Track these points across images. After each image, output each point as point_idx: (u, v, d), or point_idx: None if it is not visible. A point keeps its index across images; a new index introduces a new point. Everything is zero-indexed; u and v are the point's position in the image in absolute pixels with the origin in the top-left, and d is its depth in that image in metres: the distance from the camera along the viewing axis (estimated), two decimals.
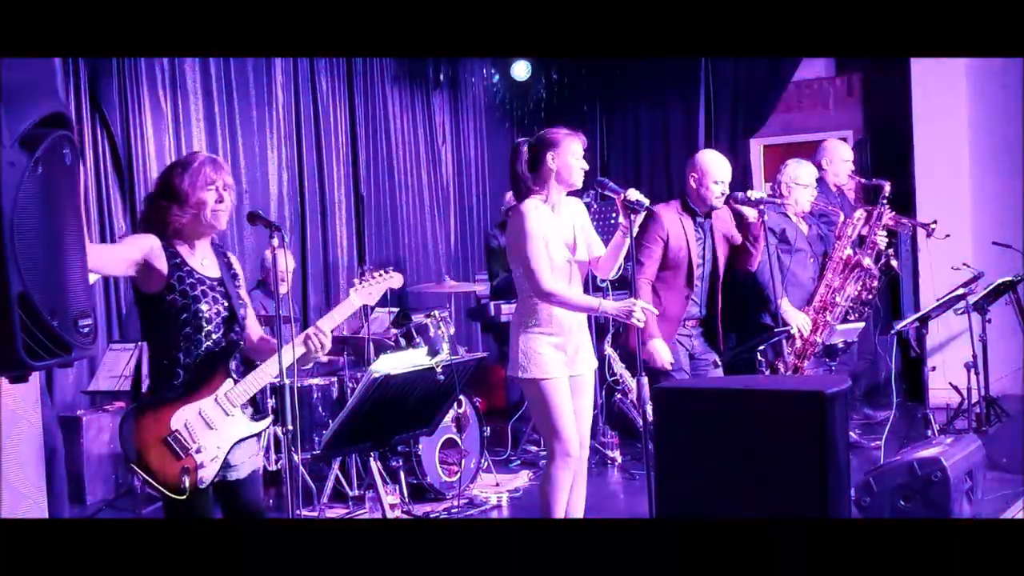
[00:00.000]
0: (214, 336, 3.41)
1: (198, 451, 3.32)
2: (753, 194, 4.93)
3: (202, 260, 3.44)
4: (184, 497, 3.28)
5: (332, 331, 3.55)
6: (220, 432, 3.37)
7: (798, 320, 5.52)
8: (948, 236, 6.57)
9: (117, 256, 3.38)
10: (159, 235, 3.36)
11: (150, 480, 3.27)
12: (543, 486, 4.22)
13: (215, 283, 3.44)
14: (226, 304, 3.44)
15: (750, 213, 4.95)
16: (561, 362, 4.16)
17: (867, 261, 5.84)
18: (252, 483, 3.52)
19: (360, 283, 3.71)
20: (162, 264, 3.33)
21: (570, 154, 4.14)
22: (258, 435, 3.55)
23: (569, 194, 4.27)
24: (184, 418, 3.33)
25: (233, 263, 3.59)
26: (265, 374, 3.47)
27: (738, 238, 5.06)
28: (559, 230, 4.19)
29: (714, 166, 4.95)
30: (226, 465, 3.42)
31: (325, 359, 3.61)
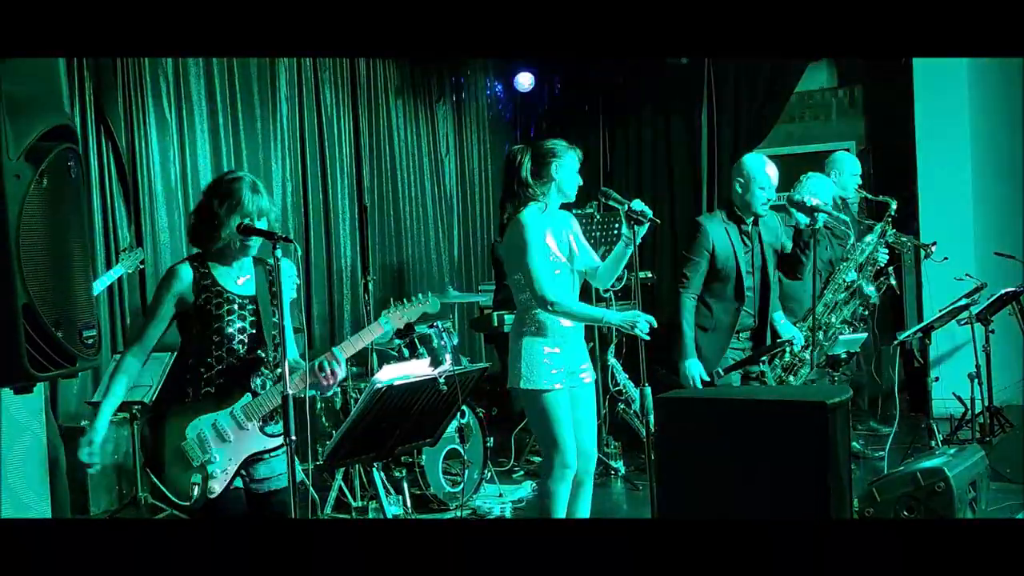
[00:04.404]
0: (238, 352, 3.46)
1: (209, 462, 3.37)
2: (809, 200, 4.87)
3: (237, 277, 3.51)
4: (189, 505, 3.35)
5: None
6: (233, 445, 3.42)
7: (791, 335, 5.50)
8: (946, 259, 6.53)
9: (164, 322, 3.46)
10: (201, 248, 3.47)
11: (160, 485, 3.38)
12: (543, 500, 4.19)
13: (246, 301, 3.50)
14: (254, 321, 3.49)
15: (803, 220, 4.91)
16: (561, 373, 4.15)
17: (869, 288, 5.81)
18: (282, 499, 3.53)
19: (394, 307, 3.73)
20: (191, 292, 3.44)
21: (572, 166, 4.16)
22: (282, 449, 3.54)
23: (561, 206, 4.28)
24: (199, 428, 3.40)
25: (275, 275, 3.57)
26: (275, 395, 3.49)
27: (785, 247, 5.03)
28: (557, 240, 4.19)
29: (760, 171, 4.87)
30: (250, 478, 3.48)
31: (332, 386, 3.61)
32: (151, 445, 3.44)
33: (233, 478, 3.41)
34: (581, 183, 4.21)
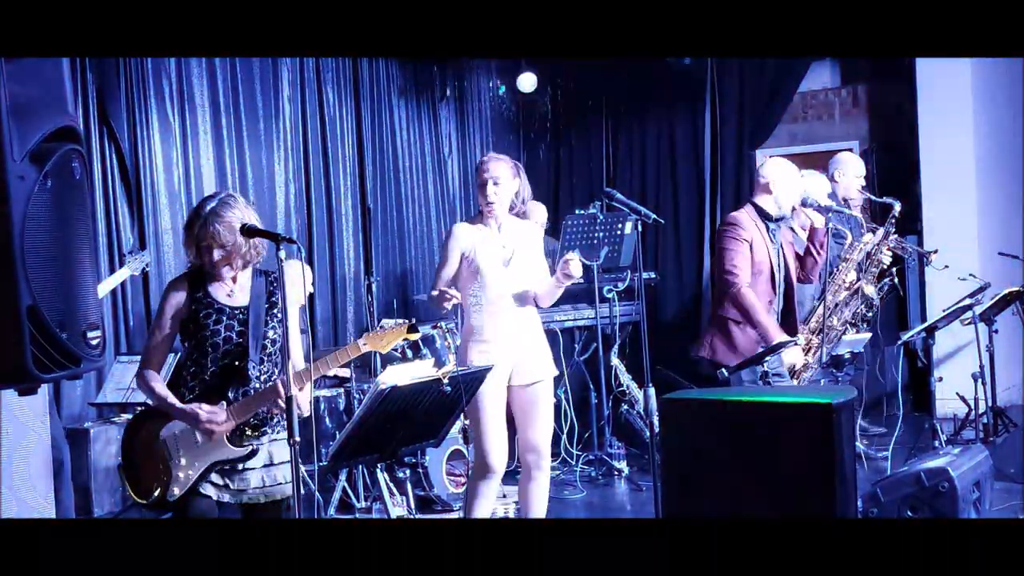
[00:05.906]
0: (221, 362, 3.50)
1: (175, 465, 3.46)
2: (821, 200, 4.94)
3: (231, 289, 3.55)
4: (146, 504, 3.48)
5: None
6: (199, 451, 3.47)
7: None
8: (947, 267, 6.51)
9: (168, 338, 3.57)
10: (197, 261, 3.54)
11: (125, 480, 3.54)
12: (465, 496, 4.32)
13: (236, 311, 3.53)
14: (241, 331, 3.51)
15: (817, 219, 4.97)
16: (493, 373, 4.21)
17: (870, 289, 5.79)
18: (273, 512, 3.56)
19: (376, 330, 3.77)
20: (185, 304, 3.53)
21: (479, 180, 4.36)
22: (257, 464, 3.56)
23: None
24: (173, 431, 3.48)
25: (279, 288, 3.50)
26: (254, 404, 3.50)
27: (799, 247, 5.11)
28: (493, 249, 4.34)
29: (786, 173, 4.96)
30: (225, 487, 3.50)
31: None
32: (126, 441, 3.56)
33: (196, 484, 3.45)
34: (493, 194, 4.35)
